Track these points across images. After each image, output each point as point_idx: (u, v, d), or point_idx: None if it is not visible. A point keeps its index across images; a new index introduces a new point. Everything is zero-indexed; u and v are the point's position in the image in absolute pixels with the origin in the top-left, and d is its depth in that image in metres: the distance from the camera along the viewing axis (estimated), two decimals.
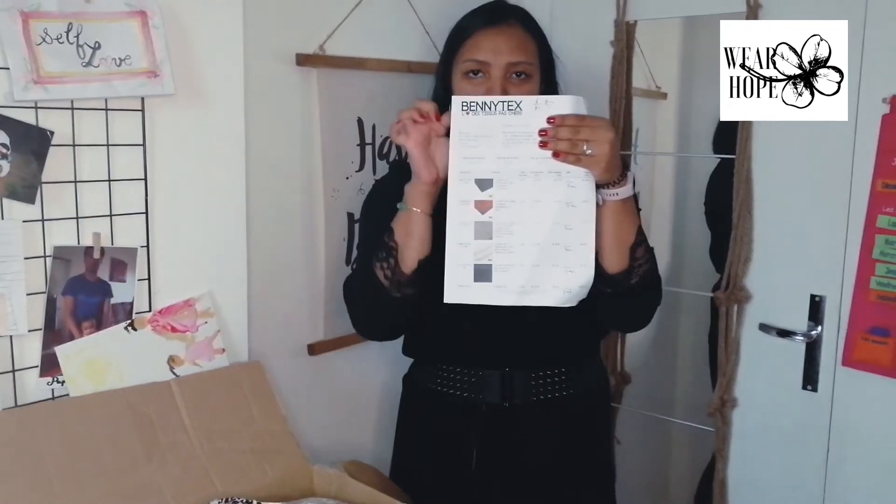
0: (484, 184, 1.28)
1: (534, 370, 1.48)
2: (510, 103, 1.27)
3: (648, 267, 1.38)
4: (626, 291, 1.36)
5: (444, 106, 1.37)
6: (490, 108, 1.28)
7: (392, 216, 1.37)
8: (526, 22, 1.47)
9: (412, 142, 1.29)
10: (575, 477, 1.52)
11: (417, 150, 1.29)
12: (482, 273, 1.28)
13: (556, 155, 1.25)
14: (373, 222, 1.52)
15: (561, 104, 1.26)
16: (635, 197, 1.38)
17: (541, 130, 1.25)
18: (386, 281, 1.35)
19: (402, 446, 1.64)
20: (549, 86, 1.49)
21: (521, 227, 1.27)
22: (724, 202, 2.10)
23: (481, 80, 1.42)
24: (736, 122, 1.73)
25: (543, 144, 1.25)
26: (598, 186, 1.28)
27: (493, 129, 1.28)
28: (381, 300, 1.37)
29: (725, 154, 1.88)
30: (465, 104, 1.28)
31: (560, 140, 1.24)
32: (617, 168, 1.27)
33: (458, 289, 1.28)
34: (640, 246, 1.36)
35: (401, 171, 1.59)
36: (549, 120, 1.24)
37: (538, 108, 1.26)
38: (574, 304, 1.28)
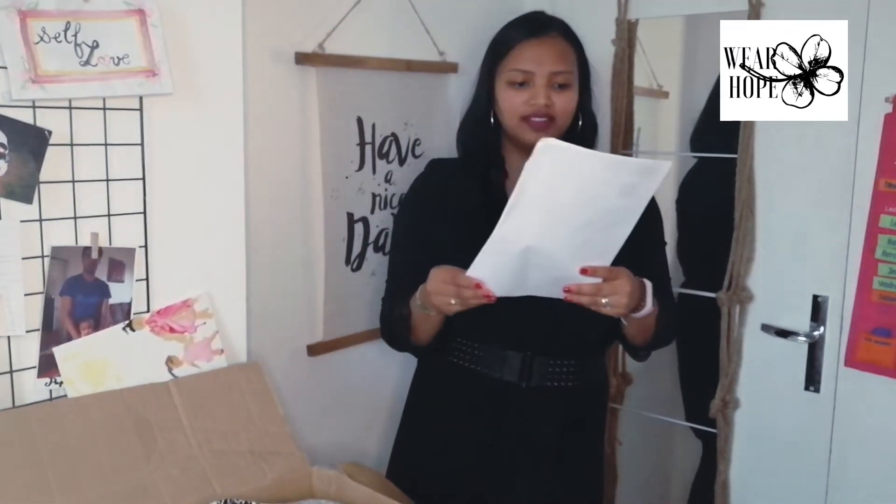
0: None
1: (551, 358, 1.55)
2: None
3: (670, 331, 1.59)
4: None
5: (486, 112, 1.57)
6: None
7: (426, 227, 1.53)
8: (566, 33, 1.56)
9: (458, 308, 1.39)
10: (569, 464, 1.58)
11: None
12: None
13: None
14: (406, 239, 1.63)
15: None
16: (664, 262, 1.64)
17: (565, 287, 1.34)
18: (409, 344, 1.57)
19: (411, 416, 1.69)
20: (585, 94, 1.59)
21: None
22: (696, 203, 2.09)
23: (525, 89, 1.51)
24: (717, 122, 1.72)
25: (568, 295, 1.35)
26: None
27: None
28: (412, 347, 1.59)
29: (701, 154, 1.87)
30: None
31: (583, 295, 1.34)
32: (635, 304, 1.38)
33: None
34: (662, 329, 1.53)
35: (437, 170, 1.67)
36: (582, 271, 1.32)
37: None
38: None
